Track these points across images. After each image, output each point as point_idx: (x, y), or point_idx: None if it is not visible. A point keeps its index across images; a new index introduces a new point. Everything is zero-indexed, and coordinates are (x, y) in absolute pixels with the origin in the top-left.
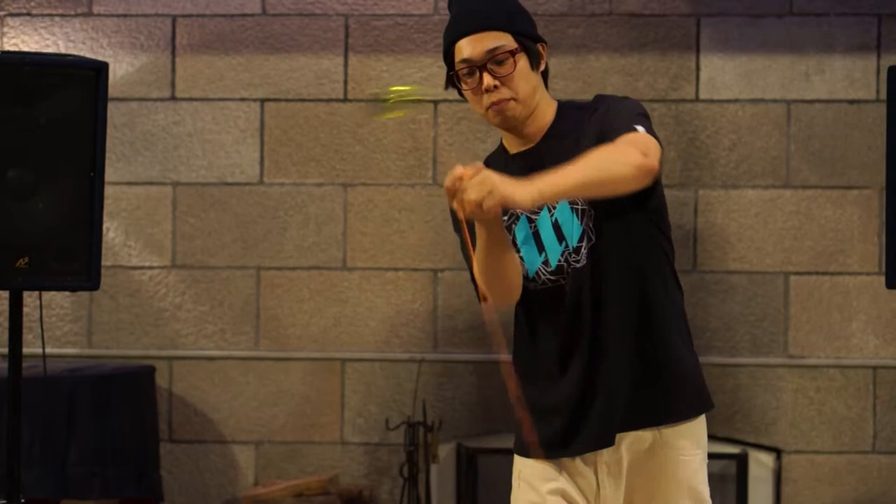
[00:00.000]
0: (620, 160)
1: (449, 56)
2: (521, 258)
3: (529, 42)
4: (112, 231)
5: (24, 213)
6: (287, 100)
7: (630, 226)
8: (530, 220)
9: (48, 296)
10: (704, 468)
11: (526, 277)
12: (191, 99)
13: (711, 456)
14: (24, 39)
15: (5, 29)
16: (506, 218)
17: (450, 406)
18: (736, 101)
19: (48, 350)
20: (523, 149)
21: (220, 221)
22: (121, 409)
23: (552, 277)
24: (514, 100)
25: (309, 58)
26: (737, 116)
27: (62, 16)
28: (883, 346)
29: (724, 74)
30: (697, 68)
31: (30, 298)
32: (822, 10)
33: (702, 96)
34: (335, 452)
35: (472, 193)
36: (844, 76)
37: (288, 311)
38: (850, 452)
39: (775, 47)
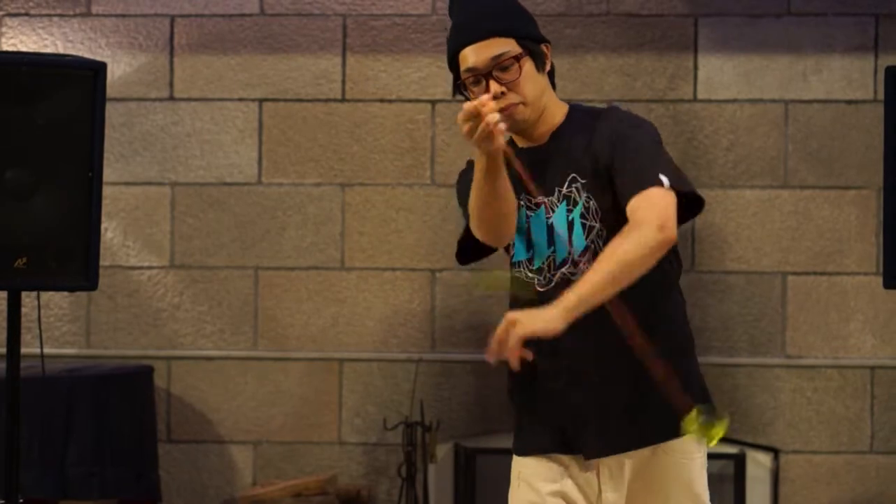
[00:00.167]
0: (640, 251)
1: (454, 64)
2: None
3: (533, 44)
4: (110, 231)
5: (22, 213)
6: (285, 100)
7: None
8: (526, 216)
9: (46, 296)
10: (705, 471)
11: (511, 262)
12: (189, 99)
13: (709, 456)
14: (23, 39)
15: (3, 29)
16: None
17: (448, 406)
18: (734, 101)
19: (46, 350)
20: (533, 145)
21: (219, 221)
22: (119, 410)
23: (530, 275)
24: (523, 104)
25: (307, 58)
26: (734, 116)
27: (60, 16)
28: (880, 347)
29: (721, 74)
30: (695, 68)
31: (28, 299)
32: (820, 11)
33: (699, 96)
34: (333, 452)
35: (501, 330)
36: (842, 76)
37: (286, 311)
38: (848, 452)
39: (773, 47)
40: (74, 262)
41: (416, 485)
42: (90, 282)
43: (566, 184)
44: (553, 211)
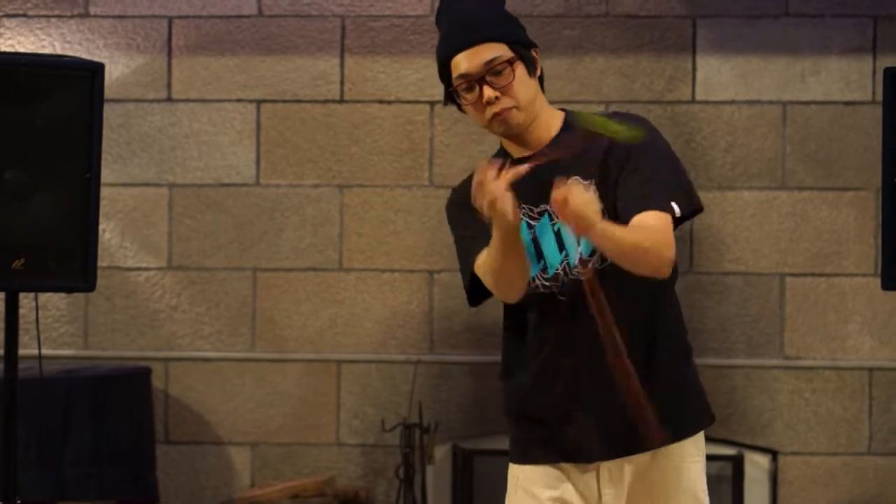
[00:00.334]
0: (659, 251)
1: (445, 72)
2: None
3: (524, 49)
4: (108, 232)
5: (20, 214)
6: (283, 101)
7: None
8: (530, 226)
9: (44, 297)
10: (704, 474)
11: None
12: (187, 100)
13: (707, 458)
14: (21, 40)
15: (2, 30)
16: None
17: (446, 407)
18: (732, 102)
19: (44, 351)
20: (526, 154)
21: (217, 223)
22: (117, 411)
23: (547, 284)
24: (517, 108)
25: (305, 59)
26: (733, 118)
27: (58, 17)
28: (878, 348)
29: (720, 76)
30: (693, 69)
31: (26, 300)
32: (818, 12)
33: (698, 97)
34: (331, 454)
35: (578, 203)
36: (840, 78)
37: (284, 312)
38: (846, 454)
39: (771, 48)
40: (72, 263)
41: (414, 486)
42: (88, 283)
43: None
44: (557, 217)
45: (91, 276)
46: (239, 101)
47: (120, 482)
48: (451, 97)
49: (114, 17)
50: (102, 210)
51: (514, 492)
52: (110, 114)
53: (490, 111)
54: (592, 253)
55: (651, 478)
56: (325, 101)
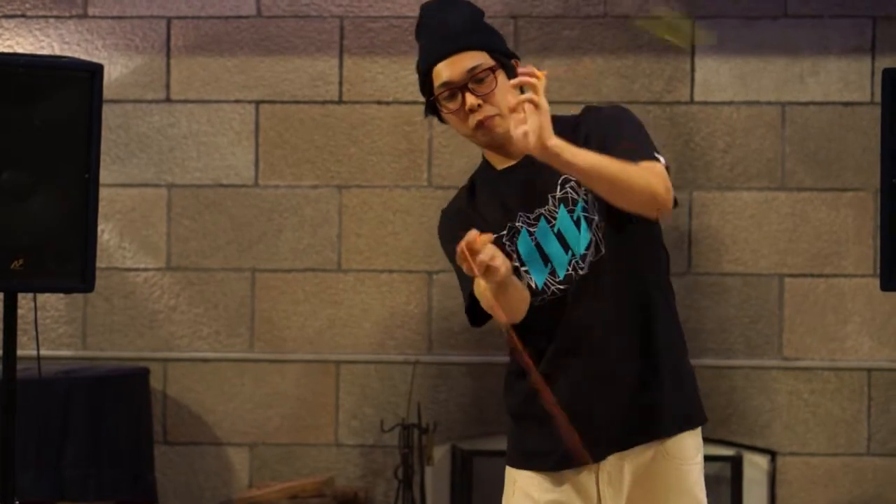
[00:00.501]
0: (647, 180)
1: (426, 83)
2: (526, 272)
3: (504, 58)
4: (107, 233)
5: (18, 214)
6: (282, 102)
7: (636, 237)
8: (530, 234)
9: (42, 297)
10: (702, 476)
11: (535, 292)
12: (186, 101)
13: (706, 458)
14: (19, 41)
15: (0, 31)
16: (505, 233)
17: (444, 408)
18: (731, 103)
19: (43, 352)
20: (511, 163)
21: (215, 223)
22: (115, 411)
23: (561, 287)
24: (500, 115)
25: (304, 60)
26: (731, 119)
27: (57, 17)
28: (877, 349)
29: (718, 76)
30: (692, 70)
31: (24, 300)
32: (816, 13)
33: (696, 98)
34: (330, 454)
35: (532, 123)
36: (839, 78)
37: (283, 313)
38: (845, 454)
39: (770, 49)
40: (71, 263)
41: (412, 487)
42: (86, 283)
43: (559, 187)
44: (554, 218)
45: (90, 276)
46: (237, 101)
47: (118, 483)
48: (432, 107)
49: (112, 17)
50: (101, 210)
51: (511, 493)
52: (109, 114)
53: (474, 119)
54: (588, 246)
55: (651, 480)
56: (324, 102)
